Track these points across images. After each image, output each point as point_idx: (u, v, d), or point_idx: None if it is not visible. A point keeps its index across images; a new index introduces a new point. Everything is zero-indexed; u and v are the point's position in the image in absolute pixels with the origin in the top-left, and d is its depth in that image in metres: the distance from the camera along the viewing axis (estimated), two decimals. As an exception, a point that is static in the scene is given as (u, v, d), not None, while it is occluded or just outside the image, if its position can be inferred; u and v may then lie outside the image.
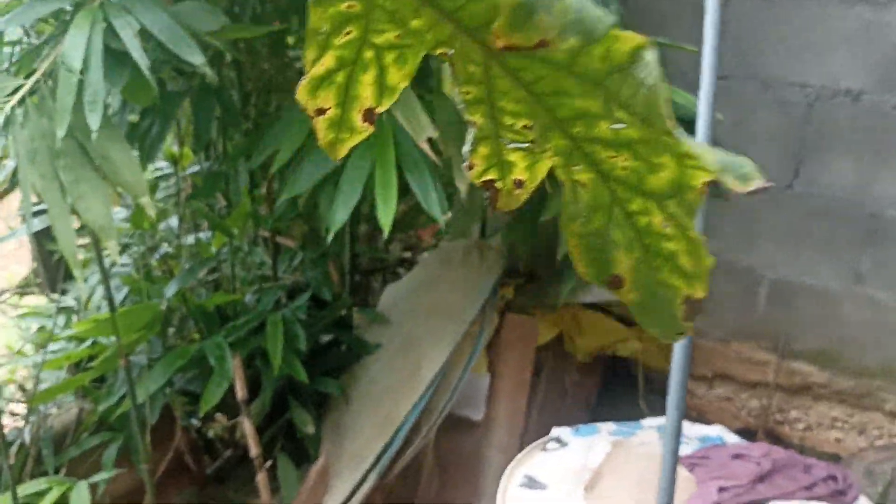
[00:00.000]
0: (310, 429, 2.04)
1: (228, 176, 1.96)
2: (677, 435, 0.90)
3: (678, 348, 0.89)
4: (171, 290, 1.82)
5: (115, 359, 1.69)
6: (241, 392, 1.86)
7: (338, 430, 2.09)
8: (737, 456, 1.46)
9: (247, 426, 1.87)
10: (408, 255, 2.53)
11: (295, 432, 2.19)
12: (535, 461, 1.60)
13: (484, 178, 0.49)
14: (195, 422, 2.31)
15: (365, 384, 2.09)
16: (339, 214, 1.53)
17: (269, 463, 2.22)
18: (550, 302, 2.03)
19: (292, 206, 2.03)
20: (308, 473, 1.98)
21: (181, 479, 2.28)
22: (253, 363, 2.17)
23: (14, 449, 1.87)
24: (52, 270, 2.37)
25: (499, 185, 0.49)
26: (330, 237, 1.55)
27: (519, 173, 0.48)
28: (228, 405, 2.04)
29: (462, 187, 1.49)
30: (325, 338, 2.25)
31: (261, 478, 1.87)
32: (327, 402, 2.19)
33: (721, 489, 1.35)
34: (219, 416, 2.15)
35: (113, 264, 1.92)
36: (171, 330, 2.08)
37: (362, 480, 1.85)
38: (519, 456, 1.63)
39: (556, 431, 1.68)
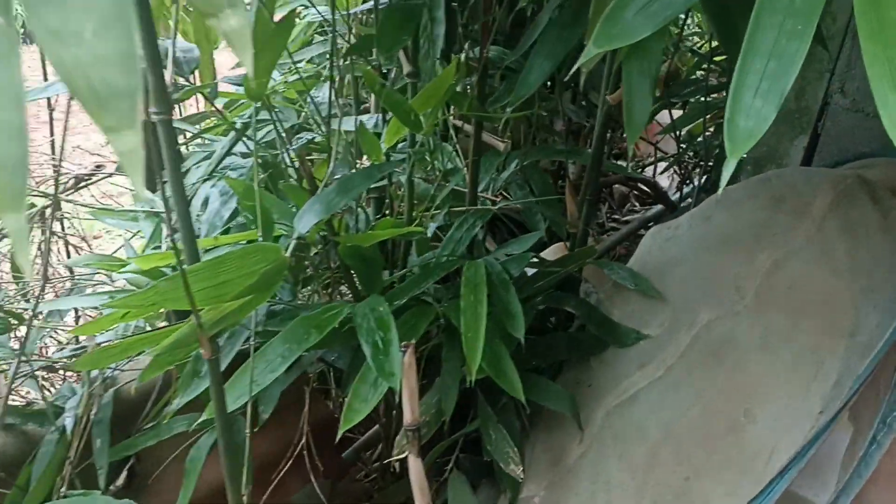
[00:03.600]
0: (514, 470, 1.20)
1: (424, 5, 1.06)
2: None
3: None
4: (305, 221, 0.98)
5: (191, 343, 0.90)
6: (409, 414, 1.03)
7: (556, 473, 1.23)
8: None
9: (413, 471, 1.05)
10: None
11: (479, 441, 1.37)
12: None
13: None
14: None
15: (613, 407, 1.20)
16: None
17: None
18: None
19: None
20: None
21: (303, 470, 1.50)
22: (427, 336, 1.34)
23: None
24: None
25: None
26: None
27: None
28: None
29: None
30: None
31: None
32: (541, 414, 1.33)
33: None
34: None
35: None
36: (306, 273, 1.27)
37: None
38: None
39: None
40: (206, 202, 1.27)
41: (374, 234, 1.16)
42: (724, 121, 0.53)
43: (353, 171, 1.06)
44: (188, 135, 1.56)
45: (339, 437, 1.07)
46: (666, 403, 1.13)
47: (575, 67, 0.62)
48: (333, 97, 1.15)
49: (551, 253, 1.64)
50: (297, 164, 1.26)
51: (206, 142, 1.59)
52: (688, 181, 2.39)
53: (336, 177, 1.05)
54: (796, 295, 1.05)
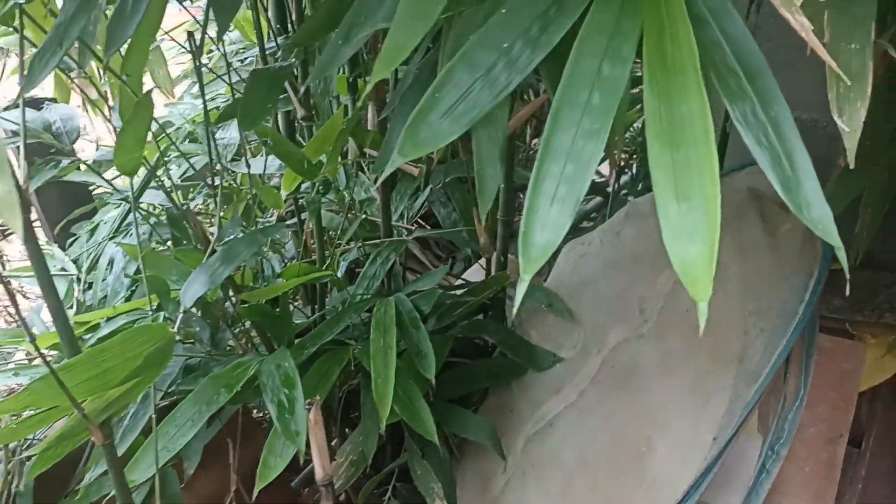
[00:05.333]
0: (439, 504, 1.21)
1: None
2: None
3: None
4: (191, 295, 0.97)
5: (80, 433, 0.90)
6: (320, 470, 1.04)
7: (484, 501, 1.25)
8: None
9: (331, 523, 1.06)
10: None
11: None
12: None
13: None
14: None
15: (532, 434, 1.21)
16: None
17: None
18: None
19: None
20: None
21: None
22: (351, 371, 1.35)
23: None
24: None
25: None
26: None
27: None
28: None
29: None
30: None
31: None
32: (466, 446, 1.35)
33: None
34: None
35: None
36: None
37: None
38: None
39: None
40: (111, 263, 1.26)
41: (275, 288, 1.15)
42: (520, 234, 0.53)
43: (241, 234, 1.05)
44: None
45: (255, 494, 1.07)
46: (580, 430, 1.14)
47: (382, 178, 0.61)
48: (214, 155, 1.13)
49: (477, 270, 1.64)
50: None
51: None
52: (626, 170, 2.39)
53: (226, 239, 1.04)
54: (693, 318, 1.06)
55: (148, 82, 1.44)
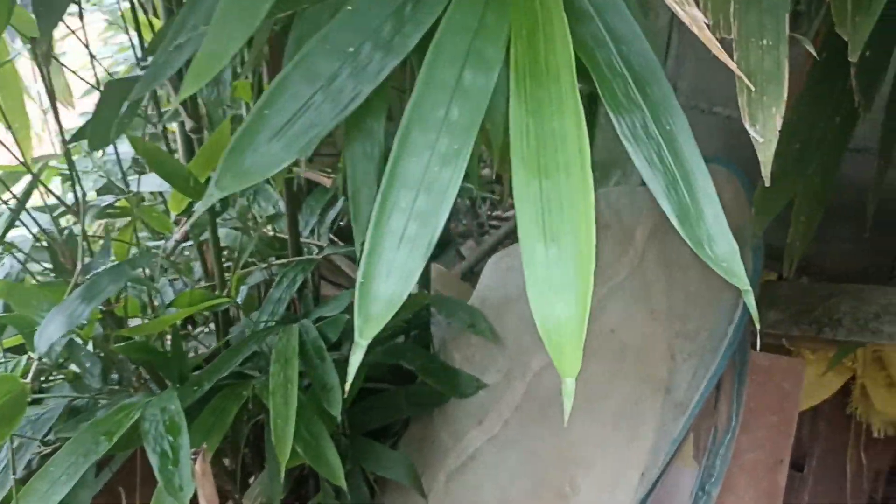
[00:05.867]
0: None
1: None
2: None
3: None
4: (45, 339, 0.85)
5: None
6: (209, 527, 0.92)
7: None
8: None
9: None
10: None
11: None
12: None
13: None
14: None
15: (453, 469, 1.11)
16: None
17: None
18: (839, 333, 0.97)
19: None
20: None
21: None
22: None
23: None
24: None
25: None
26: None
27: None
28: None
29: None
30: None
31: None
32: (388, 481, 1.24)
33: None
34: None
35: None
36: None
37: None
38: None
39: None
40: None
41: (161, 321, 1.03)
42: (357, 284, 0.43)
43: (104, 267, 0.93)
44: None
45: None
46: (502, 466, 1.04)
47: (198, 214, 0.51)
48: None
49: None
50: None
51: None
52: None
53: (92, 273, 0.92)
54: (617, 339, 0.97)
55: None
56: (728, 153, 1.29)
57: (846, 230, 1.12)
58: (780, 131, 0.97)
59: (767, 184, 0.54)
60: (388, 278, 0.42)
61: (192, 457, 0.92)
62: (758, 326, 0.45)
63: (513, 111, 0.44)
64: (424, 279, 1.35)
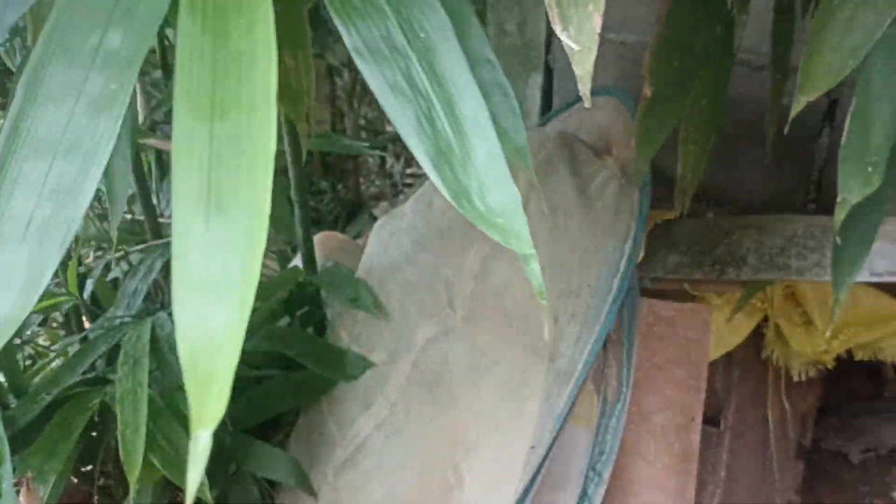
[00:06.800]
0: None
1: None
2: None
3: None
4: None
5: None
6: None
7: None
8: None
9: None
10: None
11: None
12: None
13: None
14: None
15: (342, 462, 0.99)
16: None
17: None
18: (743, 272, 0.87)
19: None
20: None
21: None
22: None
23: None
24: None
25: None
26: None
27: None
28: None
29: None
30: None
31: None
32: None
33: None
34: None
35: None
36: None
37: None
38: None
39: None
40: None
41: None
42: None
43: None
44: None
45: None
46: (389, 456, 0.93)
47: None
48: None
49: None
50: None
51: None
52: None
53: None
54: (502, 304, 0.86)
55: None
56: (624, 83, 1.17)
57: (757, 156, 1.01)
58: (654, 48, 0.82)
59: (588, 104, 0.42)
60: (6, 289, 0.29)
61: (16, 488, 0.79)
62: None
63: (182, 27, 0.31)
64: (307, 249, 1.21)
